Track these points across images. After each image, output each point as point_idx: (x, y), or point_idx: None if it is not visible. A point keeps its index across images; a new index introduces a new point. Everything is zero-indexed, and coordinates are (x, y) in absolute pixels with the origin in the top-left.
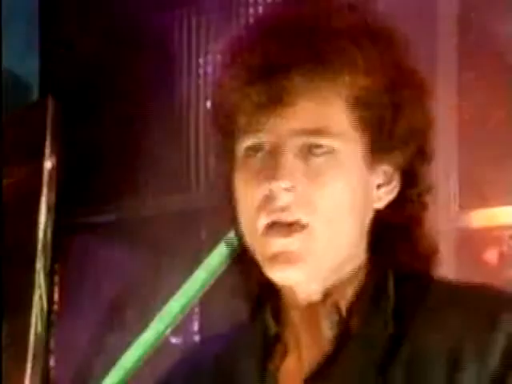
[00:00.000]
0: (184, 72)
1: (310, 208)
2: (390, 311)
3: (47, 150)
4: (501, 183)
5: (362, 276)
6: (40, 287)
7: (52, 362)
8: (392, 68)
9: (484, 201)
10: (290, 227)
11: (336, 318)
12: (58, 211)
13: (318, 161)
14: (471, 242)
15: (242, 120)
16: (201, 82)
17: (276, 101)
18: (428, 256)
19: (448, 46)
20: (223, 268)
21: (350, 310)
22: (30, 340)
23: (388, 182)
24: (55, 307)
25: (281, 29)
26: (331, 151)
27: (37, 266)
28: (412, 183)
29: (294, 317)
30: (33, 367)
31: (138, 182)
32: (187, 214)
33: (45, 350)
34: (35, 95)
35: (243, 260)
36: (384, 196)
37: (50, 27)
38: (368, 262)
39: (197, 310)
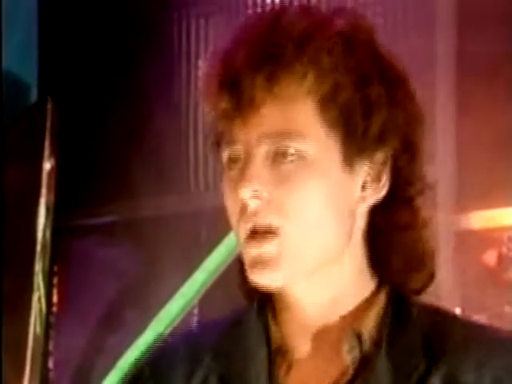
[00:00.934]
0: (183, 73)
1: (281, 212)
2: (418, 343)
3: (46, 152)
4: (500, 184)
5: (381, 301)
6: (39, 289)
7: (51, 364)
8: (364, 65)
9: (483, 202)
10: (264, 234)
11: (356, 342)
12: (57, 213)
13: (288, 165)
14: (470, 243)
15: (220, 130)
16: (200, 83)
17: (242, 110)
18: (422, 265)
19: (448, 47)
20: (223, 269)
21: (371, 335)
22: (29, 342)
23: (375, 180)
24: (54, 309)
25: (247, 38)
26: (301, 153)
27: (35, 268)
28: (401, 182)
29: (293, 326)
30: (31, 369)
31: (137, 184)
32: (186, 214)
33: (43, 352)
34: (34, 97)
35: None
36: (370, 195)
37: (50, 28)
38: (379, 282)
39: (196, 311)
